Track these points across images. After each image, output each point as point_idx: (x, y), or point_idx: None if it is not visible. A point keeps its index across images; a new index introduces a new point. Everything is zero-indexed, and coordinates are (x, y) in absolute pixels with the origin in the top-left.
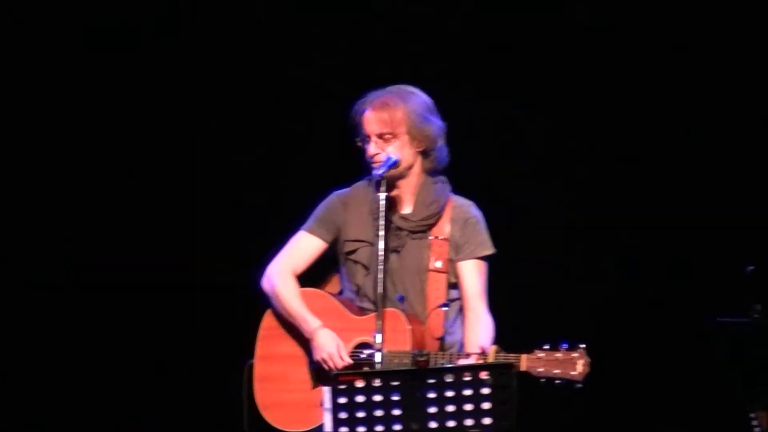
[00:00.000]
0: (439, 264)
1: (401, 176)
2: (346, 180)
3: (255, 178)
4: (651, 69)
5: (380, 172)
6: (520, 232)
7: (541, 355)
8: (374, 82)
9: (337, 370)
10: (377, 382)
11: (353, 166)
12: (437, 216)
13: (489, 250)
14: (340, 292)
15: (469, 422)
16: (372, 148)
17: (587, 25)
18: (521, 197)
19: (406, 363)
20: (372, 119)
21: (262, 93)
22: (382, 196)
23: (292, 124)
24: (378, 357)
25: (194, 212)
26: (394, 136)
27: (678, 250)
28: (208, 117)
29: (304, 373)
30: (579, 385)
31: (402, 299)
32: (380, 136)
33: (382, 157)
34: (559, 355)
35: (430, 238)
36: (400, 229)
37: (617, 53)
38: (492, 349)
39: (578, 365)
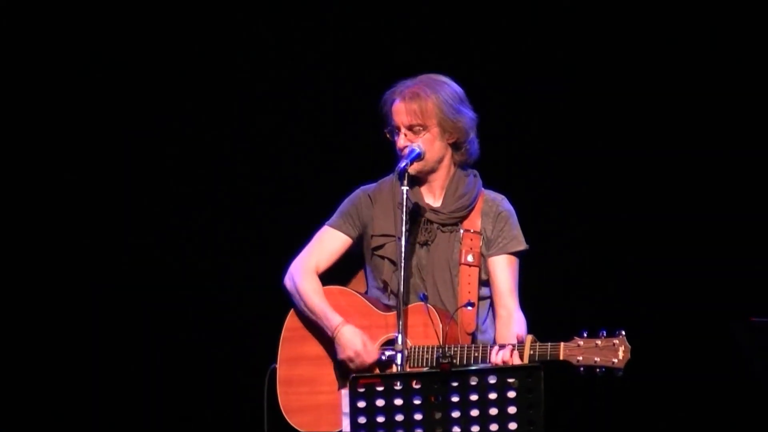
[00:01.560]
0: (470, 258)
1: (432, 169)
2: (377, 174)
3: (281, 171)
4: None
5: (402, 165)
6: (548, 228)
7: (580, 342)
8: (400, 71)
9: (365, 367)
10: (398, 385)
11: (384, 159)
12: (468, 209)
13: (521, 245)
14: (366, 292)
15: (494, 427)
16: (401, 140)
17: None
18: (548, 192)
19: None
20: (402, 110)
21: (289, 83)
22: (404, 189)
23: (320, 116)
24: (399, 358)
25: (216, 206)
26: (425, 128)
27: (705, 250)
28: (233, 109)
29: (330, 375)
30: (620, 373)
31: (425, 298)
32: (410, 127)
33: (423, 147)
34: (598, 342)
35: (462, 231)
36: (430, 222)
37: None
38: (528, 339)
39: (619, 352)
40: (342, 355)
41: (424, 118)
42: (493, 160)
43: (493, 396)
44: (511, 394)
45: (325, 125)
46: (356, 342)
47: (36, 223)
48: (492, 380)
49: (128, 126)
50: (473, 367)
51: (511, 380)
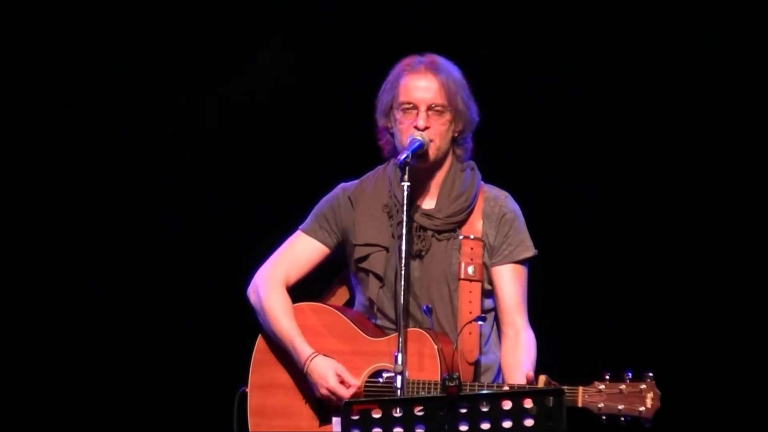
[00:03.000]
0: (471, 270)
1: (435, 165)
2: (361, 169)
3: (252, 165)
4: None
5: (403, 156)
6: (559, 229)
7: (602, 387)
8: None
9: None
10: (397, 412)
11: (368, 152)
12: (467, 211)
13: (529, 251)
14: (349, 304)
15: None
16: (422, 120)
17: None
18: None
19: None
20: (422, 85)
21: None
22: (405, 185)
23: (297, 106)
24: (399, 381)
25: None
26: (445, 110)
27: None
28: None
29: (308, 407)
30: (648, 424)
31: (429, 311)
32: (431, 107)
33: (432, 135)
34: (623, 386)
35: (460, 238)
36: (422, 228)
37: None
38: (541, 380)
39: (647, 399)
40: (317, 393)
41: (449, 97)
42: (492, 155)
43: (507, 425)
44: (529, 422)
45: (301, 115)
46: (328, 377)
47: None
48: (506, 406)
49: (91, 126)
50: (485, 391)
51: (528, 406)
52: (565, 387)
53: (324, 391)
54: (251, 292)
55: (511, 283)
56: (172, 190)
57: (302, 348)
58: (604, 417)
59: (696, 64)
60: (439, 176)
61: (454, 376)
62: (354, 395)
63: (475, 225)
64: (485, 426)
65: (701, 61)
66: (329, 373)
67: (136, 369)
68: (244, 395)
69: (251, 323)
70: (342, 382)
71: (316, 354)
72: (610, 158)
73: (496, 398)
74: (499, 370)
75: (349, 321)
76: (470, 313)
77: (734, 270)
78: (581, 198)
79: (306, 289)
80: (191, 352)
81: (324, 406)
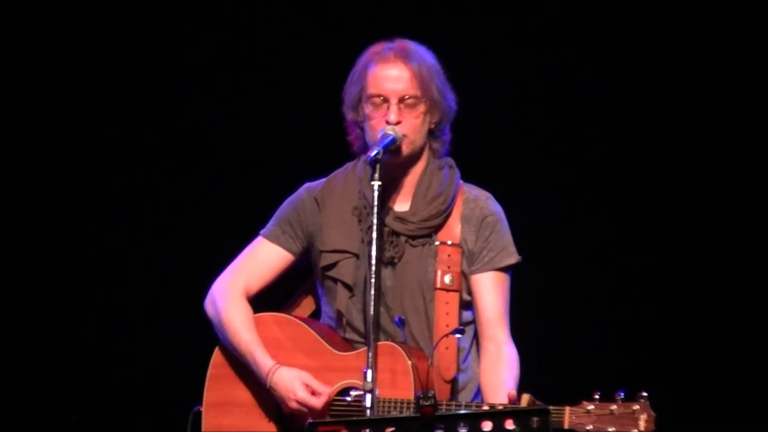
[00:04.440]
0: (448, 279)
1: (409, 161)
2: (326, 167)
3: (208, 164)
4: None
5: (374, 153)
6: (543, 237)
7: (591, 407)
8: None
9: (318, 412)
10: None
11: (335, 148)
12: (445, 214)
13: (512, 258)
14: (315, 315)
15: None
16: (394, 114)
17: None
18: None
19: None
20: (393, 75)
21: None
22: (376, 185)
23: (261, 100)
24: (368, 400)
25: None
26: (418, 101)
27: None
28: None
29: (269, 427)
30: None
31: (401, 323)
32: (402, 99)
33: (406, 129)
34: (614, 407)
35: (437, 243)
36: (395, 234)
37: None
38: (525, 399)
39: (640, 421)
40: (285, 408)
41: (423, 87)
42: (472, 149)
43: None
44: None
45: (265, 109)
46: (295, 387)
47: None
48: (486, 427)
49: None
50: (463, 411)
51: (510, 427)
52: (551, 407)
53: (293, 404)
54: (208, 304)
55: (492, 292)
56: (126, 193)
57: (263, 360)
58: None
59: (694, 63)
60: (414, 174)
61: (429, 395)
62: (325, 405)
63: (453, 229)
64: None
65: (699, 60)
66: (296, 384)
67: (75, 389)
68: (199, 415)
69: (208, 337)
70: (312, 392)
71: (278, 366)
72: (607, 156)
73: (475, 419)
74: (478, 389)
75: (315, 334)
76: (447, 325)
77: (734, 283)
78: (568, 200)
79: (268, 299)
80: (141, 368)
81: (287, 426)
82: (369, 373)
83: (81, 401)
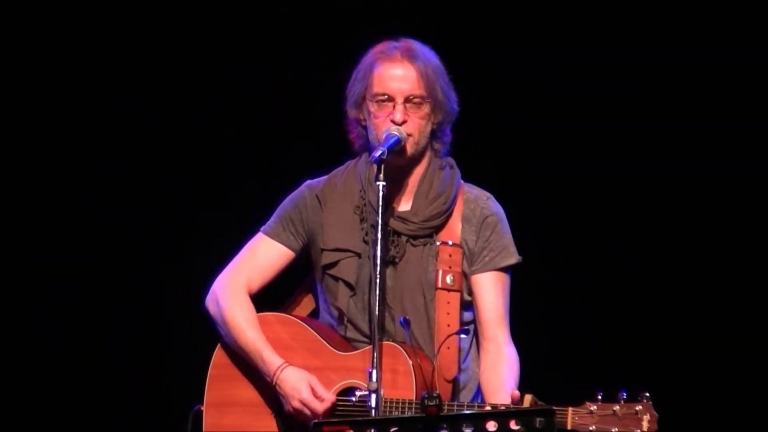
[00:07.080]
0: (449, 279)
1: (412, 162)
2: (328, 164)
3: (208, 161)
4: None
5: (379, 153)
6: (544, 237)
7: (594, 408)
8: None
9: (318, 416)
10: None
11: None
12: (446, 214)
13: (512, 258)
14: (315, 314)
15: None
16: (400, 114)
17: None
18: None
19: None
20: (399, 74)
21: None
22: (381, 185)
23: (264, 98)
24: (373, 400)
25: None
26: (423, 101)
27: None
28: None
29: (270, 427)
30: None
31: (406, 323)
32: (408, 99)
33: (411, 129)
34: (617, 407)
35: (437, 243)
36: (396, 233)
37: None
38: (527, 399)
39: (644, 422)
40: (287, 407)
41: (428, 87)
42: (473, 150)
43: None
44: None
45: (265, 108)
46: (301, 388)
47: None
48: (491, 428)
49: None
50: (467, 411)
51: (515, 427)
52: (553, 407)
53: (296, 404)
54: (210, 302)
55: (492, 292)
56: (126, 192)
57: (271, 359)
58: None
59: (694, 63)
60: (416, 175)
61: (434, 395)
62: (326, 410)
63: (454, 229)
64: None
65: (699, 60)
66: (302, 384)
67: (74, 390)
68: (199, 414)
69: (208, 336)
70: (316, 396)
71: (287, 365)
72: (607, 156)
73: (479, 419)
74: (478, 388)
75: (315, 333)
76: (448, 325)
77: (735, 283)
78: (569, 200)
79: (267, 298)
80: (141, 367)
81: (287, 426)
82: (374, 373)
83: (81, 401)
